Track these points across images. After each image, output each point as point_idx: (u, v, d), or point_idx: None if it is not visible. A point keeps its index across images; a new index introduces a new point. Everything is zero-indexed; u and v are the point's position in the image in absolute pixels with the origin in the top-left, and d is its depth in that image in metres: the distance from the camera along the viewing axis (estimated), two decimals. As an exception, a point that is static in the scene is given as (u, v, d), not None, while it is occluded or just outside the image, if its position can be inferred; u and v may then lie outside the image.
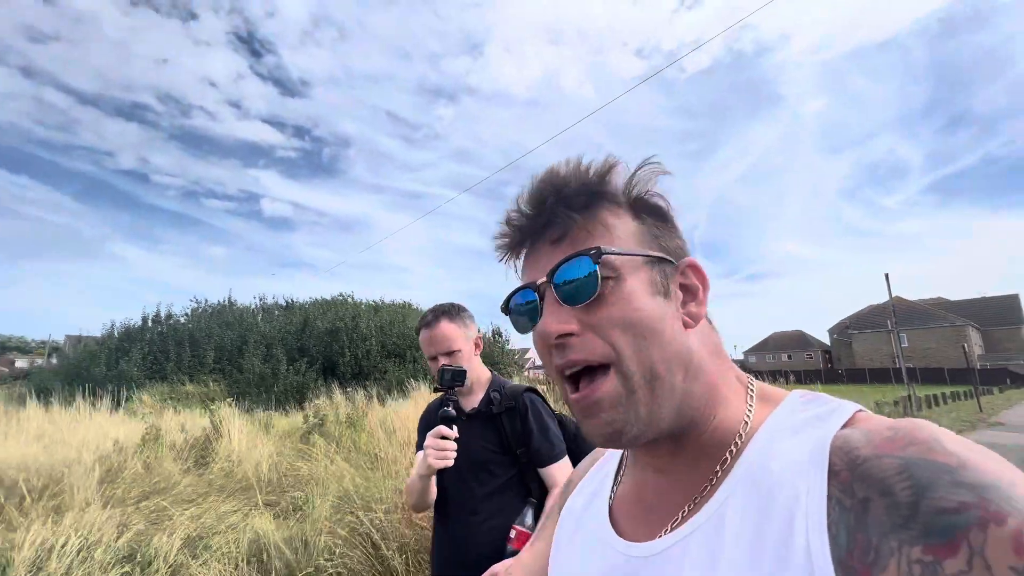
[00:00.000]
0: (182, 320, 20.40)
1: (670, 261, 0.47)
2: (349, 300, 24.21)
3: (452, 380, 1.43)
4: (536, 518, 1.38)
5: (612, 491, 0.54)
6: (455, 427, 1.36)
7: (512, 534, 1.35)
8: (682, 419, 0.45)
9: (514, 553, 1.31)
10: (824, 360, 60.54)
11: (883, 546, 0.31)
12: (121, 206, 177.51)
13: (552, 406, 1.57)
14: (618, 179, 0.48)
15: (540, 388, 1.63)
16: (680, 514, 0.43)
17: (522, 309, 0.50)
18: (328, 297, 24.77)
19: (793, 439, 0.40)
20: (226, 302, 23.15)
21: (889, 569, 0.31)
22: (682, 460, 0.46)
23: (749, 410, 0.45)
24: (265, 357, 17.45)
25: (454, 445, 1.34)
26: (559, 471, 1.44)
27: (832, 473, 0.36)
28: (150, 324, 19.61)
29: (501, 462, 1.45)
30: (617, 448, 0.50)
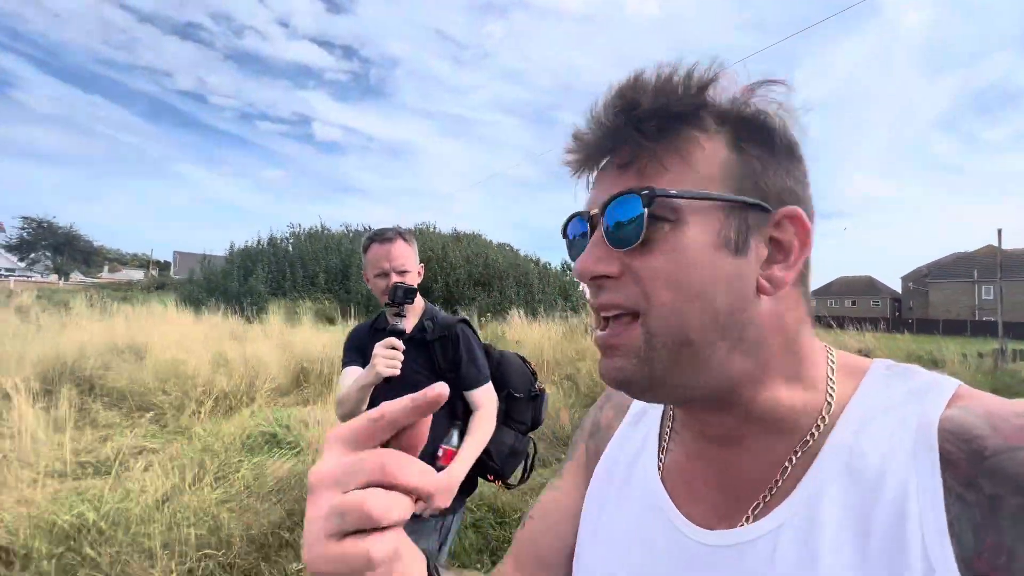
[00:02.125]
0: (286, 244, 22.52)
1: (762, 207, 0.38)
2: (430, 229, 25.62)
3: (404, 297, 1.50)
4: (461, 438, 1.50)
5: (661, 456, 0.48)
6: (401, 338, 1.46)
7: (440, 452, 1.46)
8: (717, 391, 0.39)
9: (441, 469, 1.41)
10: (892, 309, 57.67)
11: (1018, 549, 0.28)
12: (183, 126, 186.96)
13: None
14: (721, 95, 0.39)
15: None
16: (762, 500, 0.39)
17: (574, 240, 0.44)
18: (412, 226, 26.29)
19: (887, 419, 0.36)
20: (319, 228, 25.10)
21: None
22: (751, 434, 0.40)
23: (831, 385, 0.39)
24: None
25: (402, 356, 1.43)
26: (482, 394, 1.57)
27: (947, 463, 0.32)
28: (265, 246, 21.89)
29: (429, 383, 2.12)
30: (625, 392, 0.42)
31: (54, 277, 37.50)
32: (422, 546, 1.26)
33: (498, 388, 1.62)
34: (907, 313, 55.39)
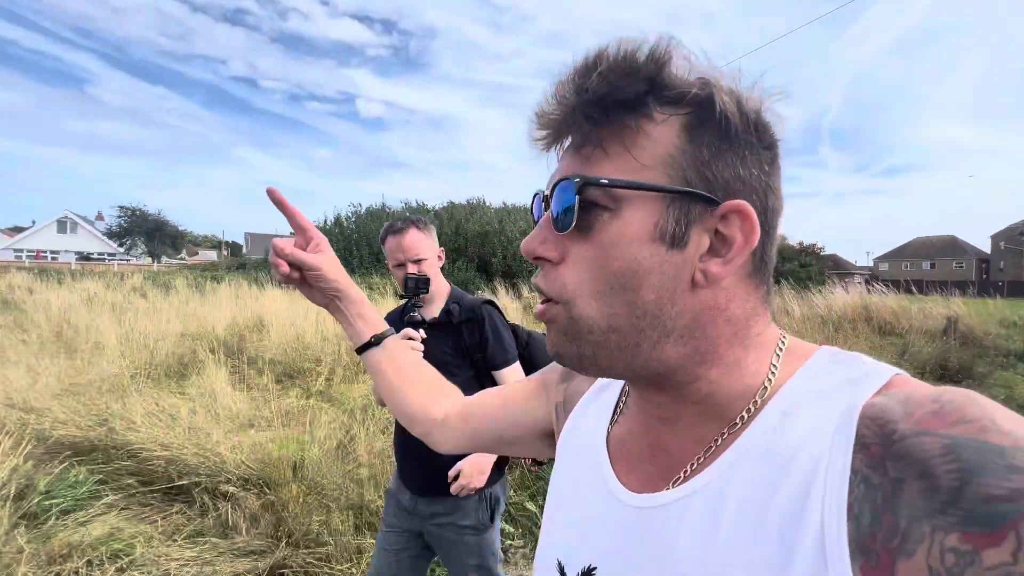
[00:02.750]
0: (349, 221, 23.67)
1: (707, 199, 0.37)
2: (482, 204, 26.07)
3: (416, 288, 1.51)
4: None
5: (610, 427, 0.50)
6: (420, 330, 1.46)
7: None
8: (650, 374, 0.41)
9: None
10: (979, 271, 52.95)
11: (913, 530, 0.28)
12: (238, 111, 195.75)
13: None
14: (674, 79, 0.37)
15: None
16: (683, 472, 0.41)
17: (537, 219, 0.44)
18: (462, 201, 26.84)
19: (817, 405, 0.36)
20: (379, 206, 26.13)
21: (916, 556, 0.28)
22: (686, 415, 0.42)
23: (772, 371, 0.40)
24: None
25: (420, 347, 1.42)
26: (509, 374, 1.59)
27: (860, 445, 0.32)
28: (331, 226, 23.19)
29: (459, 365, 1.56)
30: (560, 365, 0.46)
31: (148, 260, 41.40)
32: (471, 521, 1.51)
33: (527, 368, 1.64)
34: (996, 275, 50.73)
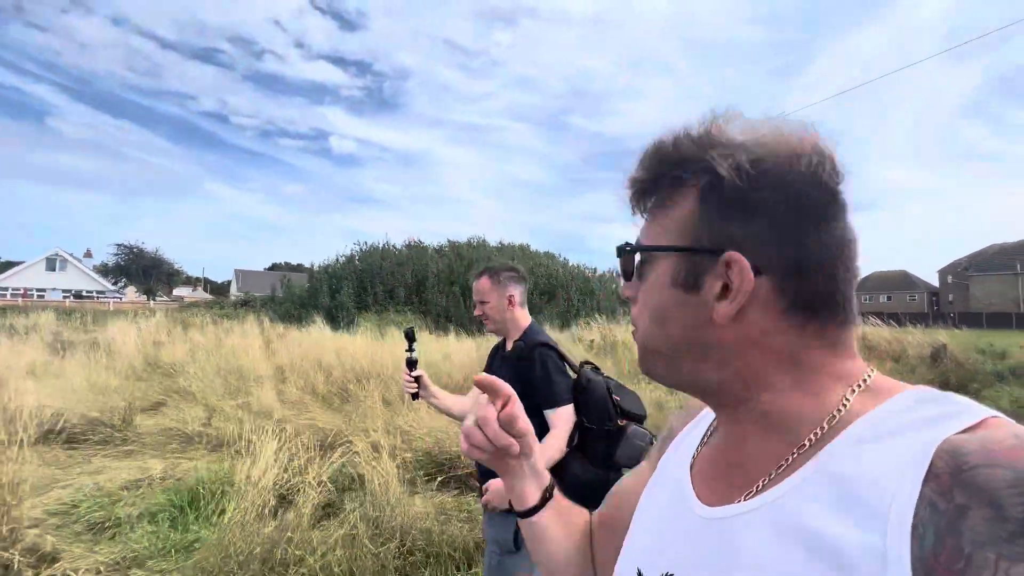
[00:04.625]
0: (359, 261, 24.16)
1: (709, 252, 0.44)
2: (484, 243, 27.03)
3: (408, 336, 1.83)
4: None
5: (697, 449, 0.54)
6: (414, 368, 1.79)
7: None
8: (701, 390, 0.48)
9: None
10: (930, 303, 56.30)
11: (977, 556, 0.29)
12: (208, 146, 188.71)
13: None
14: (691, 152, 0.45)
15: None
16: (755, 487, 0.43)
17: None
18: (463, 239, 27.75)
19: (896, 439, 0.36)
20: (386, 243, 26.73)
21: None
22: (751, 433, 0.45)
23: (845, 400, 0.41)
24: (444, 292, 20.84)
25: (414, 386, 1.78)
26: (556, 416, 1.61)
27: (931, 475, 0.32)
28: (342, 264, 23.63)
29: (522, 395, 1.94)
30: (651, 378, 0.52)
31: (143, 297, 40.62)
32: (498, 535, 1.67)
33: (579, 410, 1.65)
34: (946, 307, 54.00)
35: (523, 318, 1.84)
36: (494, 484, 1.56)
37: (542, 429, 1.59)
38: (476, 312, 1.81)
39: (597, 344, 10.22)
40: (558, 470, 1.55)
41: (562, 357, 1.71)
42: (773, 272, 0.42)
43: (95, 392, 5.40)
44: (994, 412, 0.36)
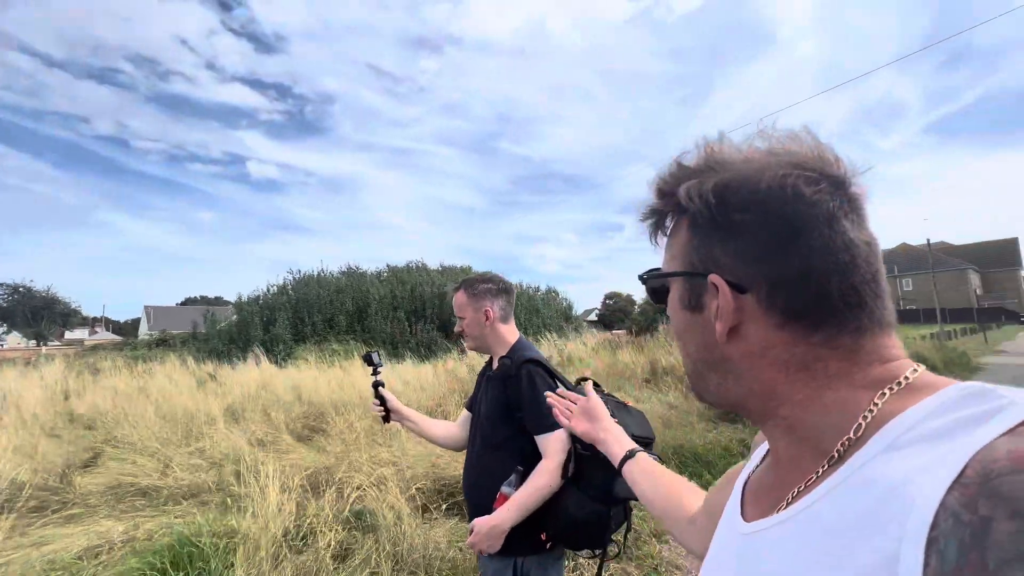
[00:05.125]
0: (290, 290, 22.91)
1: (699, 274, 0.47)
2: (425, 267, 26.69)
3: (367, 359, 1.75)
4: (519, 485, 1.40)
5: (755, 468, 0.56)
6: (380, 390, 1.70)
7: (500, 495, 1.41)
8: (732, 406, 0.49)
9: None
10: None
11: (1002, 574, 0.27)
12: (104, 173, 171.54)
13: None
14: (678, 185, 0.47)
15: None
16: (786, 501, 0.43)
17: None
18: (401, 264, 27.26)
19: (933, 443, 0.34)
20: (321, 271, 25.58)
21: None
22: (783, 448, 0.46)
23: (873, 407, 0.39)
24: (387, 318, 20.19)
25: (380, 409, 1.70)
26: (547, 442, 1.41)
27: (958, 484, 0.30)
28: (274, 293, 22.24)
29: (504, 420, 1.51)
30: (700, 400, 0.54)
31: (32, 343, 35.45)
32: None
33: (573, 439, 1.43)
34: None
35: (508, 333, 1.64)
36: (478, 524, 1.38)
37: (536, 456, 1.43)
38: (456, 329, 1.67)
39: (555, 360, 10.37)
40: (551, 505, 1.36)
41: (552, 374, 1.53)
42: (757, 289, 0.43)
43: (15, 454, 4.65)
44: None
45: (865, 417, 0.39)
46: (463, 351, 14.59)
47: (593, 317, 43.03)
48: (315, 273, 24.68)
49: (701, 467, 4.16)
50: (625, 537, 1.46)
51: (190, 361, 13.83)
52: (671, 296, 0.51)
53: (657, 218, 0.52)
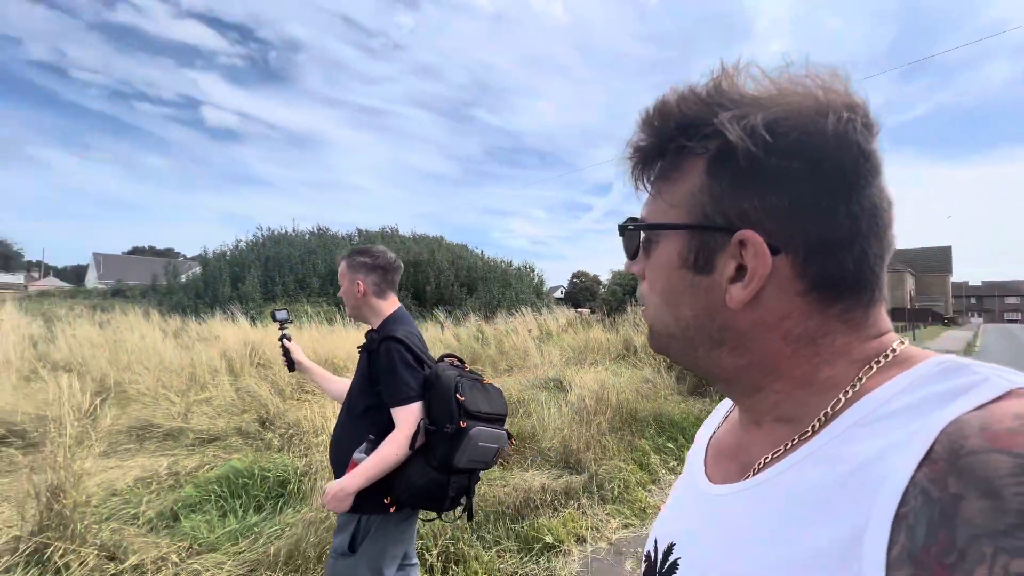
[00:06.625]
0: (260, 248, 22.34)
1: (720, 229, 0.40)
2: (397, 232, 26.52)
3: (274, 316, 1.98)
4: (369, 452, 1.49)
5: (715, 430, 0.55)
6: (286, 343, 1.91)
7: (352, 461, 1.50)
8: (717, 377, 0.45)
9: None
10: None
11: (971, 550, 0.26)
12: (38, 104, 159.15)
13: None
14: (699, 115, 0.40)
15: None
16: (754, 469, 0.42)
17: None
18: (375, 229, 26.93)
19: (904, 418, 0.33)
20: (289, 230, 25.00)
21: (975, 575, 0.26)
22: (766, 421, 0.44)
23: (857, 381, 0.38)
24: (362, 283, 20.15)
25: (284, 355, 1.90)
26: (400, 414, 1.50)
27: (927, 460, 0.30)
28: (245, 251, 21.64)
29: (366, 392, 1.60)
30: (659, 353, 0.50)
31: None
32: (337, 540, 1.54)
33: (426, 409, 1.54)
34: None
35: (383, 307, 1.71)
36: (328, 487, 1.49)
37: (392, 427, 1.52)
38: (339, 295, 1.76)
39: (534, 335, 10.89)
40: (397, 472, 1.49)
41: (411, 350, 1.57)
42: (794, 251, 0.38)
43: (18, 396, 4.72)
44: (1021, 382, 0.32)
45: (846, 392, 0.38)
46: (439, 322, 14.88)
47: (559, 295, 43.92)
48: (285, 231, 24.12)
49: (676, 432, 4.76)
50: (469, 502, 1.62)
51: (154, 315, 13.52)
52: (661, 251, 0.44)
53: (651, 156, 0.44)
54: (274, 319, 1.98)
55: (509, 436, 1.63)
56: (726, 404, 0.58)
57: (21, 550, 2.14)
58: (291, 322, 1.97)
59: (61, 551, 2.14)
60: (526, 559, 2.69)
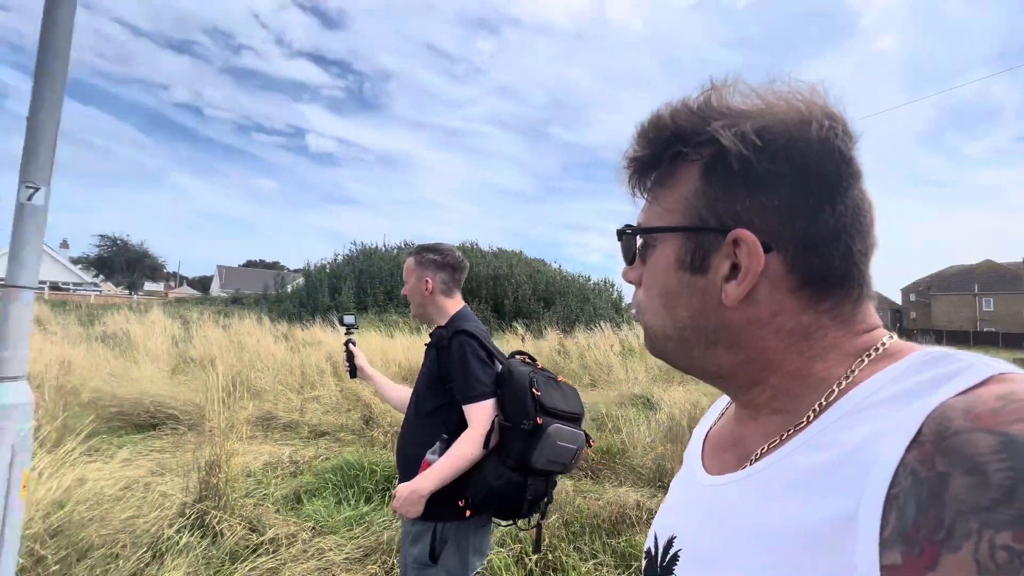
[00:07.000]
0: (356, 262, 24.11)
1: (715, 230, 0.42)
2: (477, 247, 27.36)
3: (342, 320, 1.89)
4: (443, 452, 1.42)
5: (711, 426, 0.56)
6: (350, 347, 1.83)
7: (424, 462, 1.43)
8: (714, 375, 0.46)
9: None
10: (894, 319, 59.10)
11: (958, 525, 0.27)
12: (179, 138, 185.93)
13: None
14: (692, 125, 0.42)
15: None
16: (751, 460, 0.43)
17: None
18: (456, 243, 27.91)
19: (892, 406, 0.34)
20: (379, 245, 26.74)
21: (963, 550, 0.27)
22: (762, 414, 0.45)
23: (849, 375, 0.39)
24: (446, 296, 21.09)
25: (348, 360, 1.82)
26: (474, 411, 1.44)
27: (916, 443, 0.31)
28: (341, 262, 23.57)
29: (435, 390, 1.54)
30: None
31: (124, 291, 39.27)
32: (415, 550, 1.44)
33: (499, 405, 1.46)
34: (909, 323, 56.84)
35: (450, 306, 1.64)
36: (399, 489, 1.41)
37: (465, 426, 1.44)
38: (402, 292, 1.70)
39: (616, 350, 10.66)
40: (471, 473, 1.41)
41: (483, 345, 1.52)
42: (784, 249, 0.40)
43: (172, 385, 5.51)
44: (1002, 368, 0.33)
45: (839, 384, 0.40)
46: (519, 335, 15.08)
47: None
48: (376, 246, 25.92)
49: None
50: (544, 508, 1.49)
51: (266, 320, 15.07)
52: (657, 255, 0.46)
53: (647, 165, 0.47)
54: (341, 323, 1.91)
55: (587, 438, 1.52)
56: (722, 402, 0.59)
57: (187, 515, 2.50)
58: (357, 328, 1.90)
59: (218, 519, 2.47)
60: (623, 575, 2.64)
